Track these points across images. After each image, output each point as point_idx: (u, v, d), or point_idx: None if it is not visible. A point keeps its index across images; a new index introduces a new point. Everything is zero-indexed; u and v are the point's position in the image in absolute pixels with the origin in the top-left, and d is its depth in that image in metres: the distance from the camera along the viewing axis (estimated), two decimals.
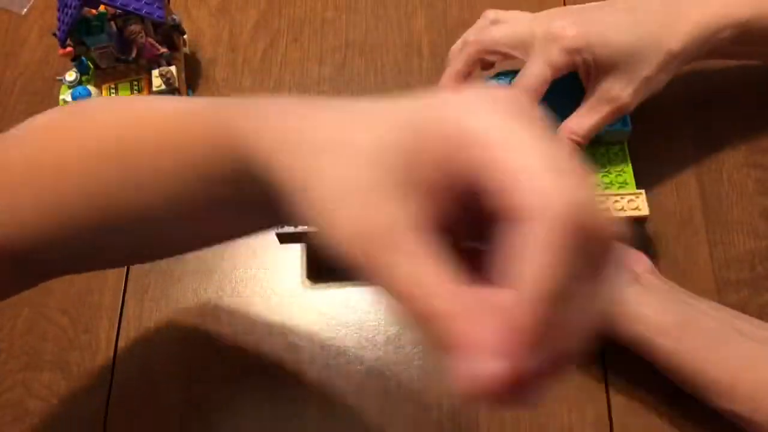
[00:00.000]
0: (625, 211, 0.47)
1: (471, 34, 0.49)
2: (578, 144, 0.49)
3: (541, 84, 0.45)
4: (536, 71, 0.45)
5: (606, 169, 0.51)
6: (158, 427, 0.49)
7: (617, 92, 0.46)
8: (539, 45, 0.45)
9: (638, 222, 0.48)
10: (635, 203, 0.47)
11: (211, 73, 0.62)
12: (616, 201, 0.48)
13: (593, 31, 0.44)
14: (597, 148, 0.52)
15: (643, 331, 0.42)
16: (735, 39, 0.46)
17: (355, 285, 0.52)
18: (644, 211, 0.47)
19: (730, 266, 0.51)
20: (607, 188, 0.50)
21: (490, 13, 0.49)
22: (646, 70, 0.45)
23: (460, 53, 0.49)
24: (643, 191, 0.48)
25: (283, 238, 0.49)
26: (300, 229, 0.48)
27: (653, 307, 0.42)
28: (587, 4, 0.48)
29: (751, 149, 0.55)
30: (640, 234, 0.52)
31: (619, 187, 0.50)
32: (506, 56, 0.49)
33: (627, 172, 0.51)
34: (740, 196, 0.53)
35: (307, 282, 0.53)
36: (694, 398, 0.43)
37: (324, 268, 0.53)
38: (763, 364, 0.41)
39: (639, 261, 0.47)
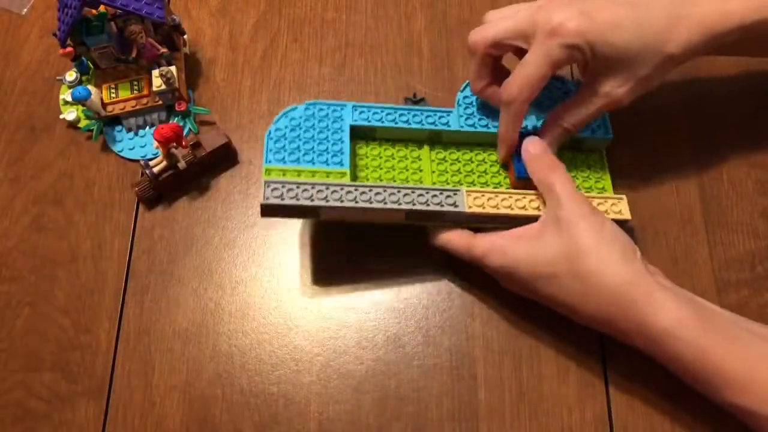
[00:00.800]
0: (609, 213, 0.48)
1: (474, 35, 0.48)
2: (567, 131, 0.49)
3: (541, 79, 0.45)
4: (535, 65, 0.45)
5: (586, 175, 0.52)
6: (158, 427, 0.49)
7: (612, 89, 0.46)
8: (539, 38, 0.45)
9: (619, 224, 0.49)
10: (618, 207, 0.49)
11: (211, 73, 0.62)
12: (600, 203, 0.49)
13: (595, 27, 0.44)
14: (577, 155, 0.53)
15: (664, 322, 0.41)
16: (738, 40, 0.46)
17: (355, 286, 0.52)
18: (626, 215, 0.49)
19: (730, 266, 0.51)
20: (588, 192, 0.51)
21: (491, 15, 0.49)
22: (644, 70, 0.45)
23: (471, 59, 0.49)
24: (624, 196, 0.49)
25: (266, 210, 0.46)
26: (287, 201, 0.45)
27: (672, 300, 0.42)
28: None
29: (750, 149, 0.55)
30: (640, 234, 0.52)
31: (599, 193, 0.51)
32: (516, 50, 0.49)
33: (605, 179, 0.52)
34: (740, 196, 0.53)
35: (307, 282, 0.53)
36: (693, 398, 0.43)
37: (327, 270, 0.53)
38: None
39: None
